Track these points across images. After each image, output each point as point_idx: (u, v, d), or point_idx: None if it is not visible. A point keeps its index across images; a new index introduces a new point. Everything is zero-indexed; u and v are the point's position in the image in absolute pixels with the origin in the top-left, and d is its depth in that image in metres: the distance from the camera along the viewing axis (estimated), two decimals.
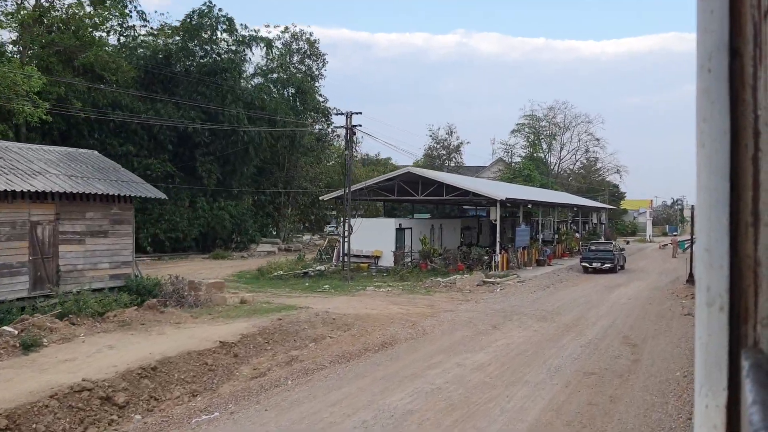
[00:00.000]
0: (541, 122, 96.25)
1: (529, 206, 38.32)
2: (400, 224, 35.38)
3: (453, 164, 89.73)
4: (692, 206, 26.62)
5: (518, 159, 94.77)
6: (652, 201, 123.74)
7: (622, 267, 37.72)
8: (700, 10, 0.88)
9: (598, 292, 26.60)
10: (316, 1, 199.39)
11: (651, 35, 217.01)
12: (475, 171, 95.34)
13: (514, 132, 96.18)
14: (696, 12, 0.89)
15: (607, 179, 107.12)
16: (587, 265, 35.10)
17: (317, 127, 56.18)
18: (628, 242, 71.29)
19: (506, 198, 32.16)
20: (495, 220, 33.53)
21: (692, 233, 27.54)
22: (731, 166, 0.85)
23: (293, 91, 52.18)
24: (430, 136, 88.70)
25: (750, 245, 0.83)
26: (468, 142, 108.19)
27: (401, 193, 35.56)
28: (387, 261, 34.30)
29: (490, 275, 30.18)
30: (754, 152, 0.82)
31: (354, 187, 33.74)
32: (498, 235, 33.47)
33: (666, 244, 54.77)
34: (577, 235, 60.81)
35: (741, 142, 0.84)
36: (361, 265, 34.55)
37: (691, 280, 26.98)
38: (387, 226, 34.96)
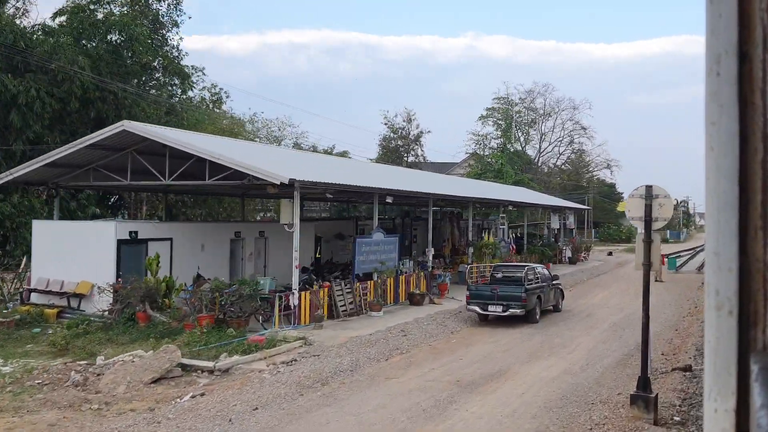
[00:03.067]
0: (514, 107, 79.26)
1: (415, 203, 22.01)
2: (132, 232, 18.98)
3: (412, 158, 72.77)
4: (657, 196, 9.96)
5: (489, 151, 77.82)
6: None
7: (555, 307, 21.35)
8: (709, 14, 0.87)
9: (404, 423, 10.16)
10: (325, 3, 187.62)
11: (663, 37, 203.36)
12: (446, 168, 79.22)
13: (482, 118, 79.41)
14: (705, 15, 0.87)
15: (599, 176, 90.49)
16: (479, 309, 18.73)
17: (163, 92, 39.87)
18: (610, 253, 54.83)
19: (291, 179, 15.71)
20: (291, 226, 17.21)
21: (647, 255, 10.64)
22: (740, 170, 0.84)
23: (115, 39, 35.85)
24: (385, 124, 70.88)
25: (759, 249, 0.82)
26: (429, 131, 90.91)
27: (140, 175, 19.33)
28: (100, 302, 18.10)
29: (222, 348, 13.87)
30: (764, 155, 0.82)
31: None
32: (297, 253, 17.14)
33: None
34: (547, 245, 44.35)
35: (750, 145, 0.83)
36: (48, 310, 18.34)
37: (642, 398, 10.21)
38: (100, 237, 18.59)
